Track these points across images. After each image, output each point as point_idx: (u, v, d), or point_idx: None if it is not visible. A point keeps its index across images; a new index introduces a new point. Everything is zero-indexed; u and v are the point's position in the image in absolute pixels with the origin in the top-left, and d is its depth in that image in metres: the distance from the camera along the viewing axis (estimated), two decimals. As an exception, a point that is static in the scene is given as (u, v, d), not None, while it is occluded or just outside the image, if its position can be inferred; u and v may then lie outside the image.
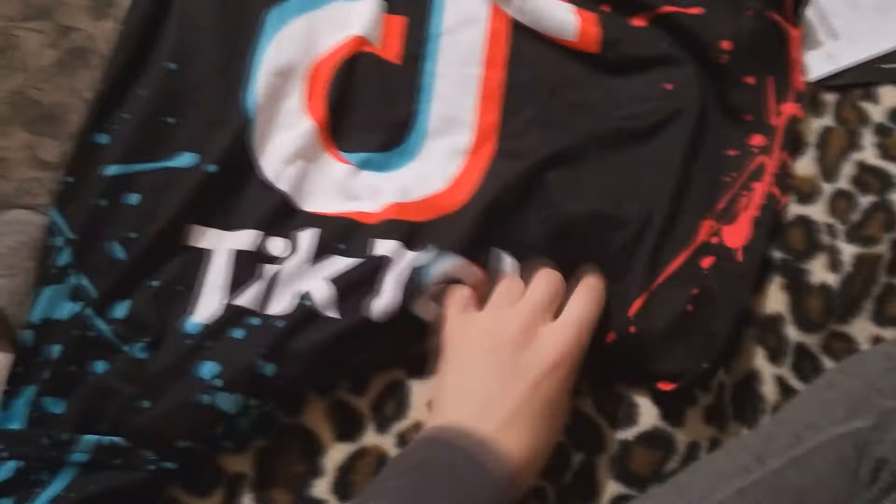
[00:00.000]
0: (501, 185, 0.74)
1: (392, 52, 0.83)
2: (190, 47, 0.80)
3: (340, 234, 0.74)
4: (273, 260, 0.73)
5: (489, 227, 0.73)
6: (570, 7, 0.83)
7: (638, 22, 0.83)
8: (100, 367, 0.69)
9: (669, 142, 0.78)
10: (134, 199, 0.75)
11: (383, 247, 0.73)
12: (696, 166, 0.77)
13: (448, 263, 0.70)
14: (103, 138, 0.79)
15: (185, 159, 0.76)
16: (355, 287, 0.70)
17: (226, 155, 0.76)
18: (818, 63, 0.83)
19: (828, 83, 0.83)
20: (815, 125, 0.81)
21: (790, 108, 0.80)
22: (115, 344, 0.70)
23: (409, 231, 0.74)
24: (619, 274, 0.72)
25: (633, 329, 0.70)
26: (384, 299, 0.68)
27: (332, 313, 0.69)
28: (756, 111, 0.80)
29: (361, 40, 0.82)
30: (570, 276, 0.70)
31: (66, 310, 0.72)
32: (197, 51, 0.80)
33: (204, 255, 0.73)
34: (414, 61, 0.83)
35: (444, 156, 0.79)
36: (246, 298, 0.70)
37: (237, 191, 0.76)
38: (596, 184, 0.76)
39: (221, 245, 0.74)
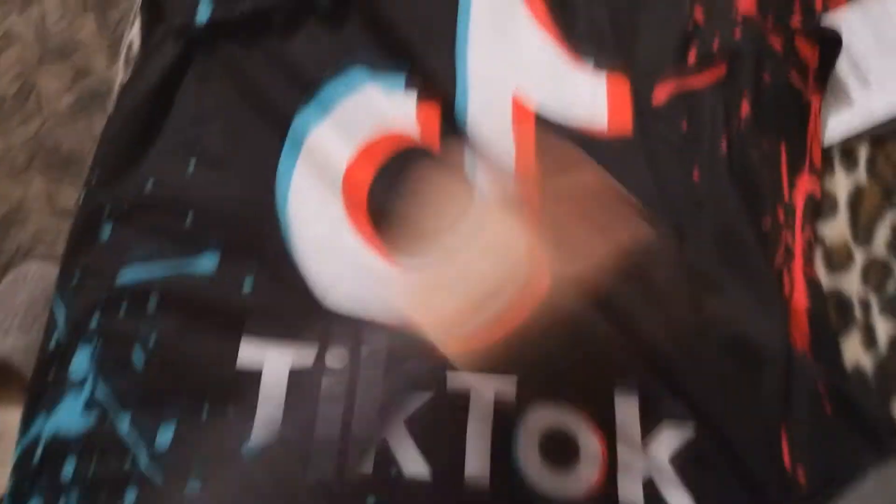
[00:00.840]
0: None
1: (432, 139, 0.76)
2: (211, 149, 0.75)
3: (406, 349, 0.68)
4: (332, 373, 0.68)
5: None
6: (599, 82, 0.78)
7: (660, 95, 0.78)
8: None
9: (705, 238, 0.73)
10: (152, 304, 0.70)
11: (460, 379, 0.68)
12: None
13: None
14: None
15: (207, 263, 0.71)
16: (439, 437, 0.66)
17: (263, 264, 0.71)
18: (848, 113, 0.76)
19: (860, 134, 0.76)
20: (846, 182, 0.75)
21: (806, 182, 0.74)
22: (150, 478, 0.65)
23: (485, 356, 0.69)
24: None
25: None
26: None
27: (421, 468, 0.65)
28: (772, 179, 0.74)
29: (397, 135, 0.76)
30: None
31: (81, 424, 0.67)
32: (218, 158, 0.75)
33: (255, 376, 0.68)
34: (456, 150, 0.76)
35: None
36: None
37: (282, 302, 0.70)
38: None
39: (274, 362, 0.68)
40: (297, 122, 0.74)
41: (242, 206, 0.72)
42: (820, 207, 0.74)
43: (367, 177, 0.73)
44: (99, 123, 1.20)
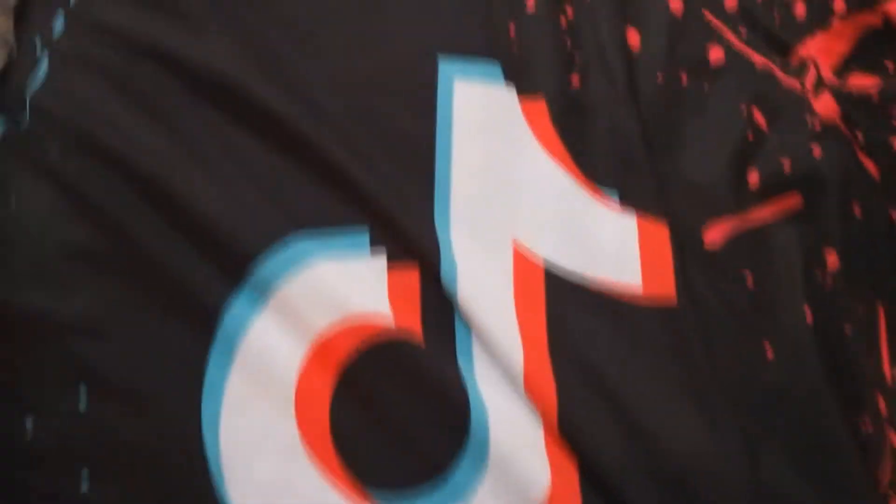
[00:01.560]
0: None
1: (409, 321, 0.56)
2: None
3: None
4: None
5: None
6: (628, 224, 0.59)
7: (713, 236, 0.58)
8: None
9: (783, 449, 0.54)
10: None
11: None
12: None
13: None
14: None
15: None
16: None
17: None
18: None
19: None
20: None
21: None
22: None
23: None
24: None
25: None
26: None
27: None
28: (870, 358, 0.55)
29: (366, 320, 0.56)
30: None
31: None
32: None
33: None
34: (443, 335, 0.56)
35: (520, 477, 0.53)
36: None
37: None
38: None
39: None
40: (228, 318, 0.55)
41: (157, 451, 0.52)
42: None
43: (326, 388, 0.54)
44: None
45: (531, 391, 0.54)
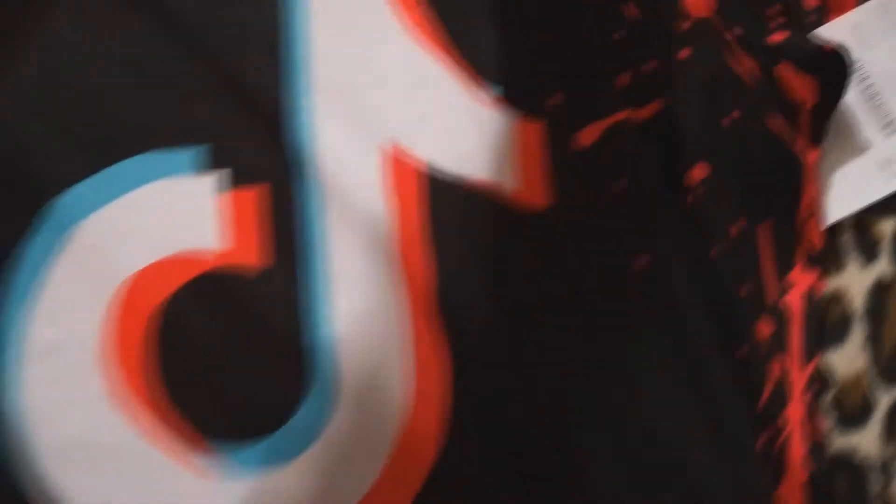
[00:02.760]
0: None
1: (246, 251, 0.51)
2: None
3: None
4: None
5: None
6: (505, 125, 0.53)
7: (586, 139, 0.52)
8: None
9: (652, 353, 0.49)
10: None
11: None
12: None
13: None
14: None
15: None
16: None
17: None
18: (865, 178, 0.52)
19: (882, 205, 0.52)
20: (864, 280, 0.52)
21: (803, 278, 0.50)
22: None
23: None
24: None
25: None
26: None
27: None
28: (751, 281, 0.51)
29: (188, 256, 0.50)
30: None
31: None
32: None
33: None
34: (287, 261, 0.50)
35: (375, 407, 0.49)
36: None
37: None
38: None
39: None
40: (27, 255, 0.47)
41: None
42: (826, 317, 0.51)
43: (141, 336, 0.48)
44: None
45: (406, 265, 0.49)
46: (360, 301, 0.49)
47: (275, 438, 0.47)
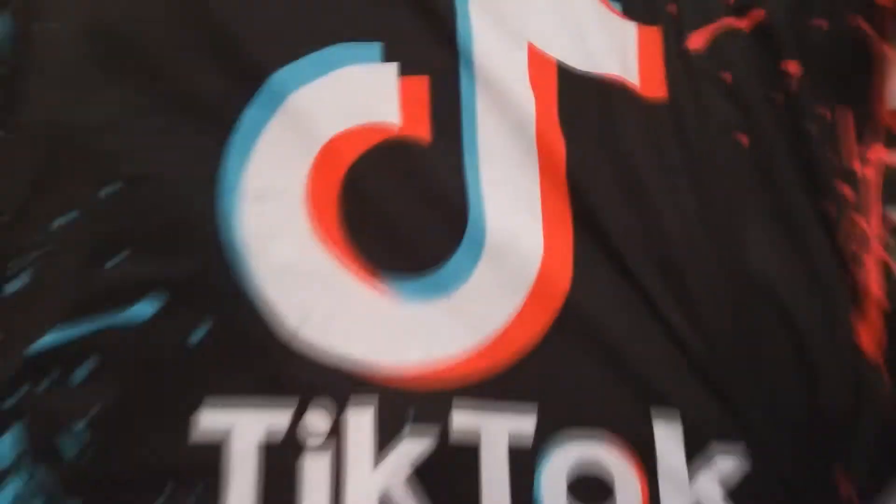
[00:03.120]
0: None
1: (419, 126, 0.61)
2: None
3: (401, 402, 0.56)
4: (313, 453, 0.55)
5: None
6: (630, 32, 0.64)
7: (697, 41, 0.63)
8: None
9: (756, 214, 0.60)
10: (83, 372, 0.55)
11: (463, 418, 0.56)
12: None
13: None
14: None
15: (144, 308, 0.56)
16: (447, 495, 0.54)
17: (215, 304, 0.57)
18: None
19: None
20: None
21: (879, 152, 0.60)
22: None
23: (486, 386, 0.56)
24: None
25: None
26: None
27: None
28: (834, 154, 0.61)
29: (374, 127, 0.61)
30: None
31: None
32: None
33: (217, 450, 0.54)
34: (449, 136, 0.61)
35: (515, 260, 0.59)
36: None
37: (242, 350, 0.56)
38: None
39: (241, 432, 0.55)
40: (243, 122, 0.59)
41: (180, 230, 0.57)
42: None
43: (334, 187, 0.59)
44: None
45: (541, 142, 0.60)
46: (504, 170, 0.60)
47: (434, 276, 0.58)
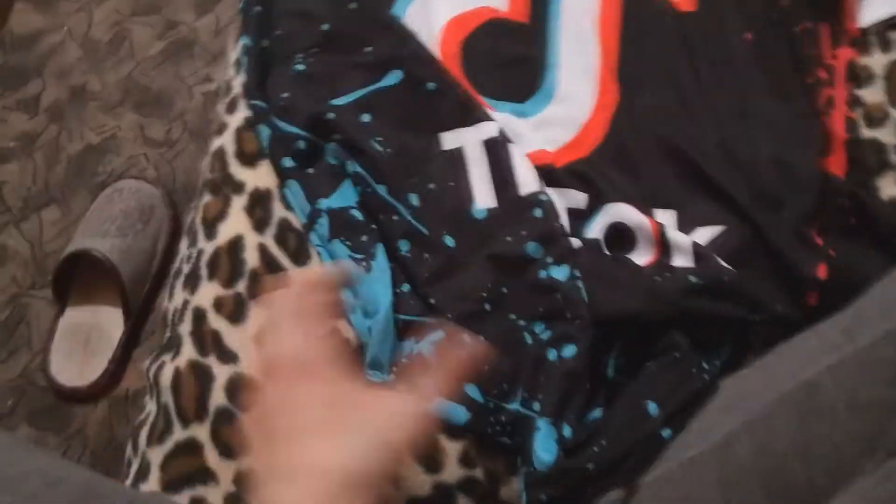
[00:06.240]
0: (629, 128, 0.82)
1: (520, 13, 0.89)
2: None
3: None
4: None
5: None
6: None
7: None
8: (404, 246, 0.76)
9: (758, 86, 0.84)
10: (366, 117, 0.81)
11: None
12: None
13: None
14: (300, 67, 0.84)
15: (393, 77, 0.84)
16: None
17: (435, 70, 0.83)
18: (883, 4, 0.87)
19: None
20: (884, 60, 0.86)
21: (846, 52, 0.85)
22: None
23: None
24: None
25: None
26: None
27: None
28: (814, 51, 0.85)
29: (489, 9, 0.88)
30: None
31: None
32: None
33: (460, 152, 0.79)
34: (541, 20, 0.88)
35: (574, 106, 0.84)
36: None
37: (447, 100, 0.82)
38: (713, 127, 0.82)
39: (469, 140, 0.79)
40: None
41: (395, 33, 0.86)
42: (859, 74, 0.85)
43: (458, 42, 0.86)
44: (186, 69, 1.33)
45: (602, 32, 0.86)
46: (574, 50, 0.86)
47: (520, 105, 0.84)
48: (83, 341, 1.14)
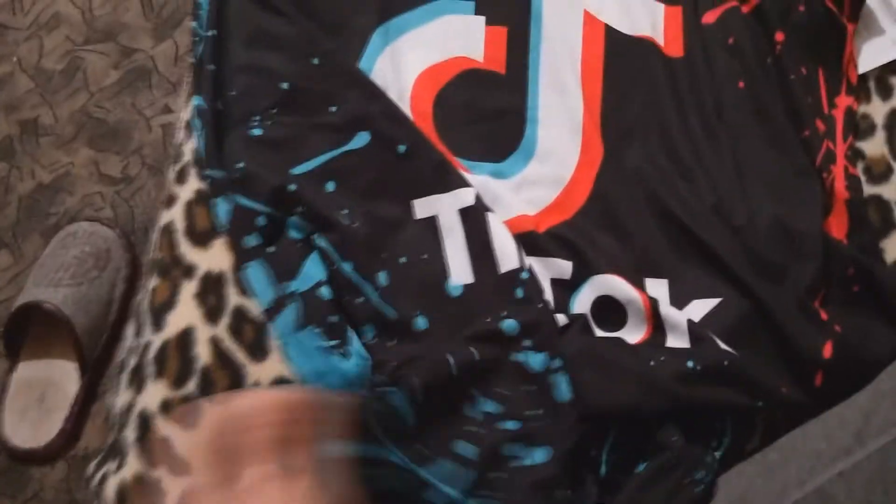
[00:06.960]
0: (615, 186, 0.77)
1: (497, 63, 0.82)
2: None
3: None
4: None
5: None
6: (658, 10, 0.85)
7: (708, 18, 0.84)
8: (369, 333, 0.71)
9: (753, 138, 0.79)
10: (331, 186, 0.75)
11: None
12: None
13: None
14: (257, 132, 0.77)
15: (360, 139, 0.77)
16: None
17: (407, 131, 0.78)
18: (882, 49, 0.82)
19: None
20: (884, 109, 0.81)
21: (845, 100, 0.80)
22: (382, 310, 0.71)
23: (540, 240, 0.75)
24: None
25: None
26: None
27: None
28: (812, 99, 0.80)
29: (463, 59, 0.82)
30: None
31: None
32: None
33: (433, 221, 0.74)
34: (519, 70, 0.82)
35: (556, 164, 0.79)
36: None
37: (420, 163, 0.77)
38: (706, 185, 0.77)
39: (443, 207, 0.74)
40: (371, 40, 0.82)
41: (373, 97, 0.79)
42: (859, 124, 0.80)
43: (431, 95, 0.80)
44: (144, 100, 1.25)
45: (585, 80, 0.80)
46: (555, 101, 0.80)
47: (499, 165, 0.78)
48: (37, 398, 1.07)
